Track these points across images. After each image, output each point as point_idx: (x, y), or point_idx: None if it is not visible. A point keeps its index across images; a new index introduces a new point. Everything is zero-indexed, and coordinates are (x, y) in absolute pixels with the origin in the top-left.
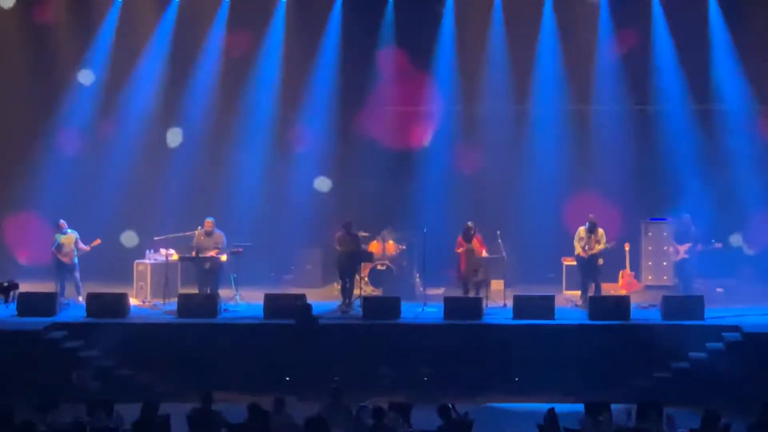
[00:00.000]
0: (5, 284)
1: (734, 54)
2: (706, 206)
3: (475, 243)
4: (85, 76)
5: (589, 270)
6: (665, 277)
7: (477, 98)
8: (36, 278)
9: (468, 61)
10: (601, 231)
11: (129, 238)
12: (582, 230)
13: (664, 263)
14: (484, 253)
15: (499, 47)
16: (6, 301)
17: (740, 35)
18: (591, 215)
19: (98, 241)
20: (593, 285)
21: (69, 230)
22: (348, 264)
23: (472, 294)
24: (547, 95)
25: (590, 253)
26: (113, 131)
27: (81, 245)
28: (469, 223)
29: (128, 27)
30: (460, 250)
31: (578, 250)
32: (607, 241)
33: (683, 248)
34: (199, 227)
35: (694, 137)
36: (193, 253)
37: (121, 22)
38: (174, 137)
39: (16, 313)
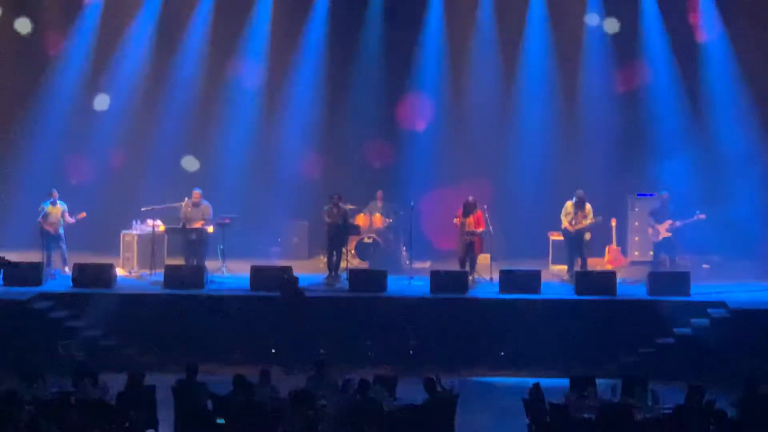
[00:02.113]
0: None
1: (722, 23)
2: (689, 180)
3: (471, 218)
4: (101, 102)
5: (576, 245)
6: (651, 253)
7: (465, 73)
8: (22, 248)
9: (456, 36)
10: (588, 206)
11: None
12: (569, 205)
13: (653, 240)
14: (475, 228)
15: (488, 24)
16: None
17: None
18: (579, 191)
19: (83, 215)
20: (579, 260)
21: (59, 201)
22: (335, 236)
23: (466, 268)
24: (535, 72)
25: (577, 228)
26: (102, 105)
27: (68, 218)
28: (469, 198)
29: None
30: (456, 221)
31: (565, 224)
32: (594, 216)
33: (664, 227)
34: (186, 198)
35: (680, 112)
36: (181, 225)
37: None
38: (190, 164)
39: (1, 283)
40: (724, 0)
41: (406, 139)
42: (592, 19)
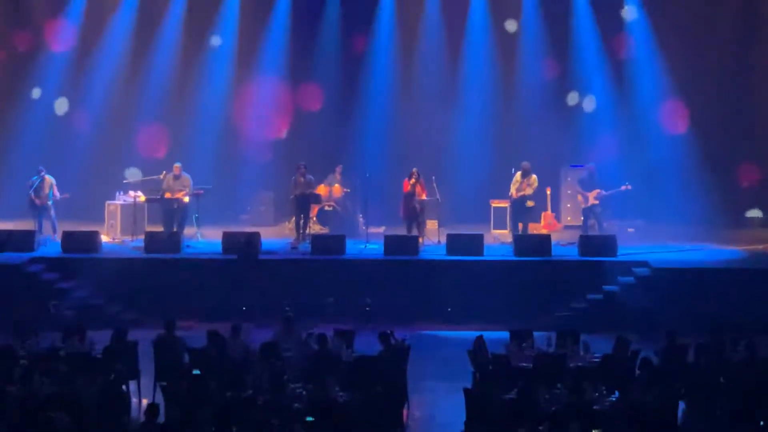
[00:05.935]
0: None
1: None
2: (616, 152)
3: (417, 187)
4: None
5: (518, 210)
6: (582, 219)
7: (414, 55)
8: (16, 217)
9: (407, 19)
10: (533, 177)
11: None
12: (518, 175)
13: (582, 206)
14: (424, 196)
15: (436, 11)
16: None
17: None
18: (525, 162)
19: (67, 195)
20: (521, 224)
21: (47, 175)
22: (300, 204)
23: (414, 233)
24: (479, 56)
25: (520, 194)
26: (85, 86)
27: (56, 191)
28: (414, 169)
29: None
30: (406, 190)
31: (512, 191)
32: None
33: (592, 195)
34: (165, 171)
35: (608, 93)
36: (167, 195)
37: None
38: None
39: None
40: None
41: (363, 116)
42: None
